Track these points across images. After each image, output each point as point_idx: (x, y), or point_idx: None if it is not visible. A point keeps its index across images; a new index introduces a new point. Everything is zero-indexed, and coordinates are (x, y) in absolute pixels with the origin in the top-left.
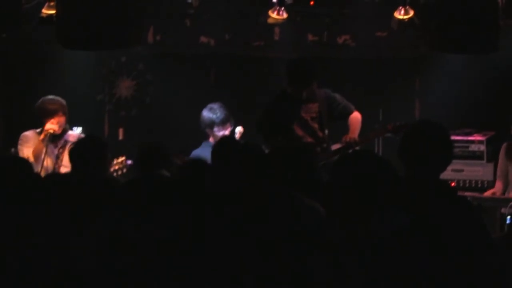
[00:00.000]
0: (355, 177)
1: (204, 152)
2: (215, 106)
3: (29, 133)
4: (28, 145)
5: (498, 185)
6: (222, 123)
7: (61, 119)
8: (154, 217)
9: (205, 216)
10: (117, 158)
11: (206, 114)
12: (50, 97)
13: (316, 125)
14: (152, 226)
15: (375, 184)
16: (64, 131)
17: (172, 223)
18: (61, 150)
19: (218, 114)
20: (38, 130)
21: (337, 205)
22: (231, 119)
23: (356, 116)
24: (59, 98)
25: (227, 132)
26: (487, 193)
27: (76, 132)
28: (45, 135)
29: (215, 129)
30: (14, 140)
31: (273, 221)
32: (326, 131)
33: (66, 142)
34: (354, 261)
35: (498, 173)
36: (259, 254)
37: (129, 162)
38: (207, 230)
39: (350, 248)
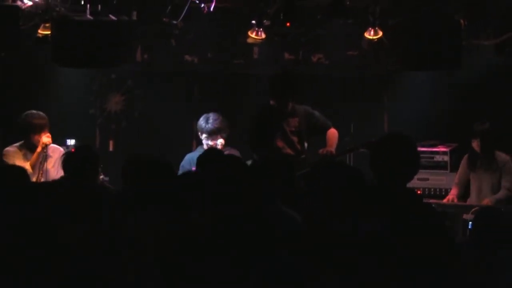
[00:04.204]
0: (350, 179)
1: (196, 155)
2: (211, 116)
3: (11, 148)
4: (16, 159)
5: (454, 192)
6: (210, 134)
7: (48, 132)
8: (154, 217)
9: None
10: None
11: (201, 121)
12: (34, 112)
13: (295, 138)
14: (151, 226)
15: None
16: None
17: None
18: (42, 164)
19: (209, 125)
20: (17, 144)
21: (337, 206)
22: (223, 132)
23: (333, 131)
24: (42, 113)
25: (213, 142)
26: (445, 200)
27: (55, 145)
28: (42, 148)
29: (203, 136)
30: None
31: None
32: (305, 144)
33: (47, 155)
34: (336, 262)
35: (456, 180)
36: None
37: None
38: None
39: (333, 250)
